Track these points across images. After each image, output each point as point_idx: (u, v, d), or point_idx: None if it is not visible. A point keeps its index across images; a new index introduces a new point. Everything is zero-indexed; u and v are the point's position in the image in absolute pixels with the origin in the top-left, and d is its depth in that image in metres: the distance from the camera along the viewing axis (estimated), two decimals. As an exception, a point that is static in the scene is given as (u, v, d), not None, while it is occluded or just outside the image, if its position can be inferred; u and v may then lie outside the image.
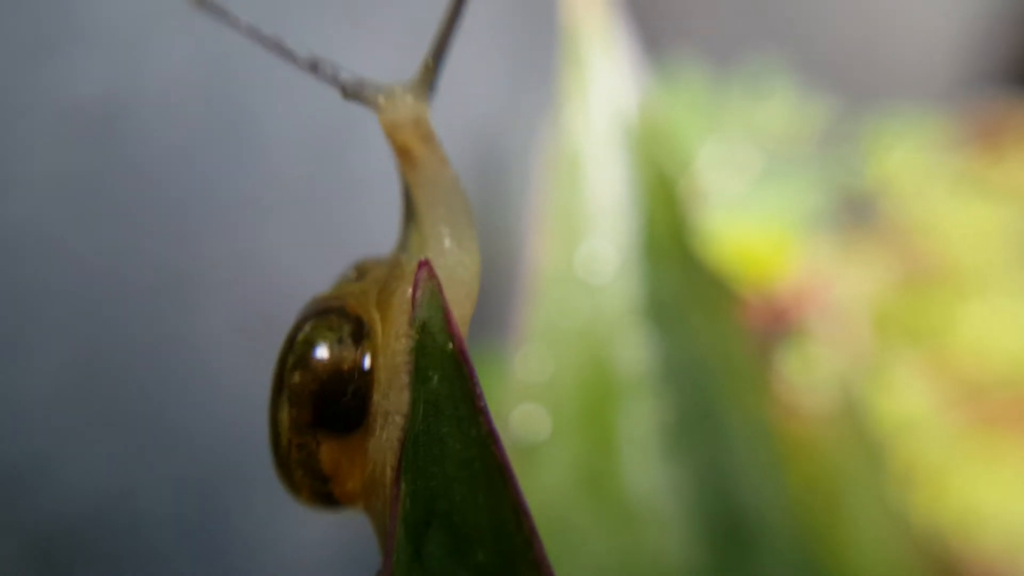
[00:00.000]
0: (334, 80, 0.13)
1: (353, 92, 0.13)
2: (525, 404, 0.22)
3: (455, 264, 0.13)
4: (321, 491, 0.13)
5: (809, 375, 0.39)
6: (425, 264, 0.12)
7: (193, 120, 0.24)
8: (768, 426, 0.22)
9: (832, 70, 0.45)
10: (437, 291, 0.12)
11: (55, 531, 0.23)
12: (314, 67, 0.13)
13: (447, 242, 0.13)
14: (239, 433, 0.26)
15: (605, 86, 0.25)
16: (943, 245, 0.45)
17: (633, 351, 0.24)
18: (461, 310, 0.13)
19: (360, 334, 0.13)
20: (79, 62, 0.21)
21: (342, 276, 0.14)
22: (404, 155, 0.13)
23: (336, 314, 0.13)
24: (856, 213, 0.43)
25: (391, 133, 0.13)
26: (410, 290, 0.12)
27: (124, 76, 0.22)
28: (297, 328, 0.13)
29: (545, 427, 0.22)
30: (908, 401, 0.42)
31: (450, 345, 0.12)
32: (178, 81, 0.23)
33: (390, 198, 0.32)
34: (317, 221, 0.28)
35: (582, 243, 0.26)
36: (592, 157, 0.26)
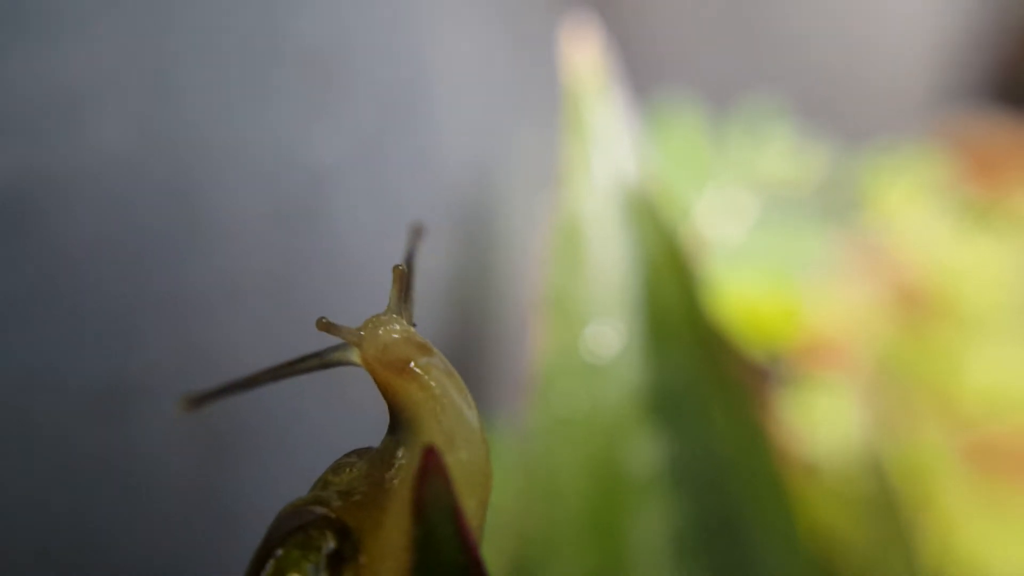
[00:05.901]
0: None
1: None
2: (528, 517, 0.20)
3: (461, 456, 0.11)
4: None
5: (820, 428, 0.38)
6: (431, 452, 0.10)
7: (128, 202, 0.21)
8: (795, 533, 0.20)
9: (823, 108, 0.44)
10: (445, 488, 0.10)
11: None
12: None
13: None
14: (188, 545, 0.24)
15: (606, 159, 0.24)
16: (947, 285, 0.44)
17: (642, 447, 0.22)
18: (476, 500, 0.11)
19: (341, 555, 0.10)
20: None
21: (321, 479, 0.12)
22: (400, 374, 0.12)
23: (315, 527, 0.11)
24: (858, 255, 0.42)
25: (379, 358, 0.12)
26: (411, 488, 0.10)
27: (40, 160, 0.18)
28: (268, 550, 0.11)
29: (549, 537, 0.21)
30: (916, 449, 0.41)
31: (461, 558, 0.10)
32: (108, 162, 0.20)
33: (357, 279, 0.29)
34: (277, 309, 0.25)
35: (586, 324, 0.24)
36: (593, 230, 0.25)
